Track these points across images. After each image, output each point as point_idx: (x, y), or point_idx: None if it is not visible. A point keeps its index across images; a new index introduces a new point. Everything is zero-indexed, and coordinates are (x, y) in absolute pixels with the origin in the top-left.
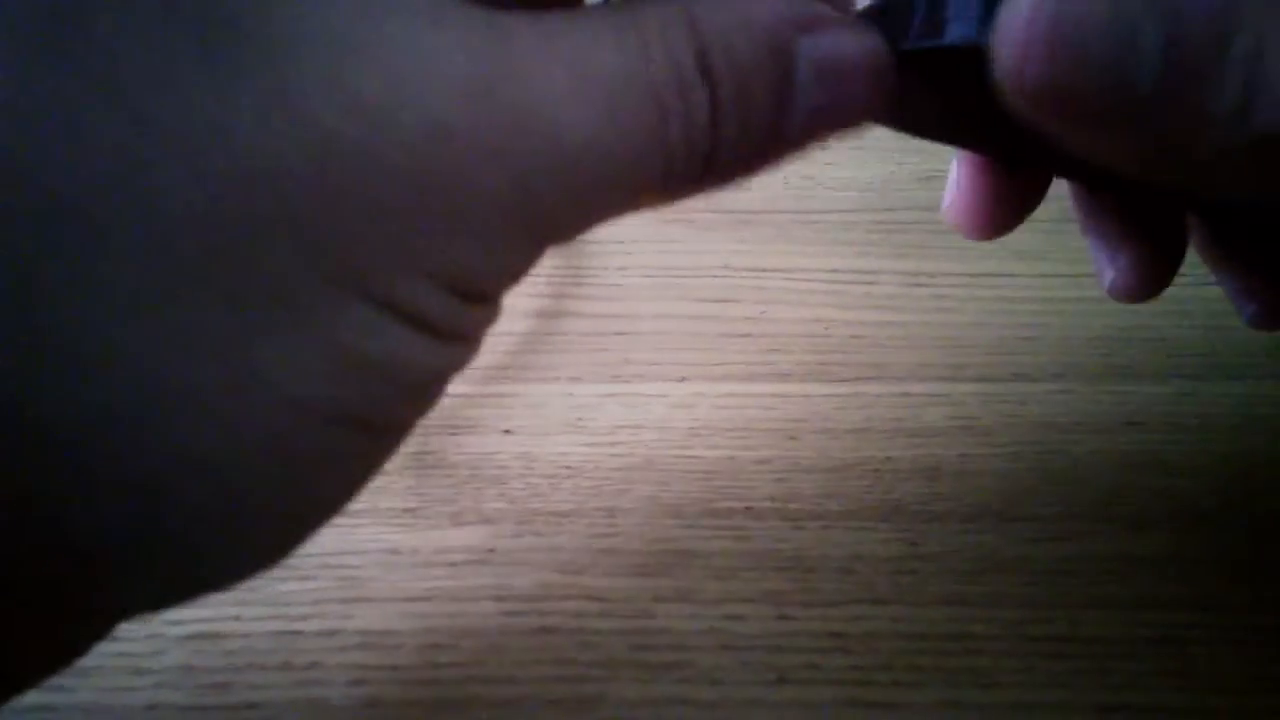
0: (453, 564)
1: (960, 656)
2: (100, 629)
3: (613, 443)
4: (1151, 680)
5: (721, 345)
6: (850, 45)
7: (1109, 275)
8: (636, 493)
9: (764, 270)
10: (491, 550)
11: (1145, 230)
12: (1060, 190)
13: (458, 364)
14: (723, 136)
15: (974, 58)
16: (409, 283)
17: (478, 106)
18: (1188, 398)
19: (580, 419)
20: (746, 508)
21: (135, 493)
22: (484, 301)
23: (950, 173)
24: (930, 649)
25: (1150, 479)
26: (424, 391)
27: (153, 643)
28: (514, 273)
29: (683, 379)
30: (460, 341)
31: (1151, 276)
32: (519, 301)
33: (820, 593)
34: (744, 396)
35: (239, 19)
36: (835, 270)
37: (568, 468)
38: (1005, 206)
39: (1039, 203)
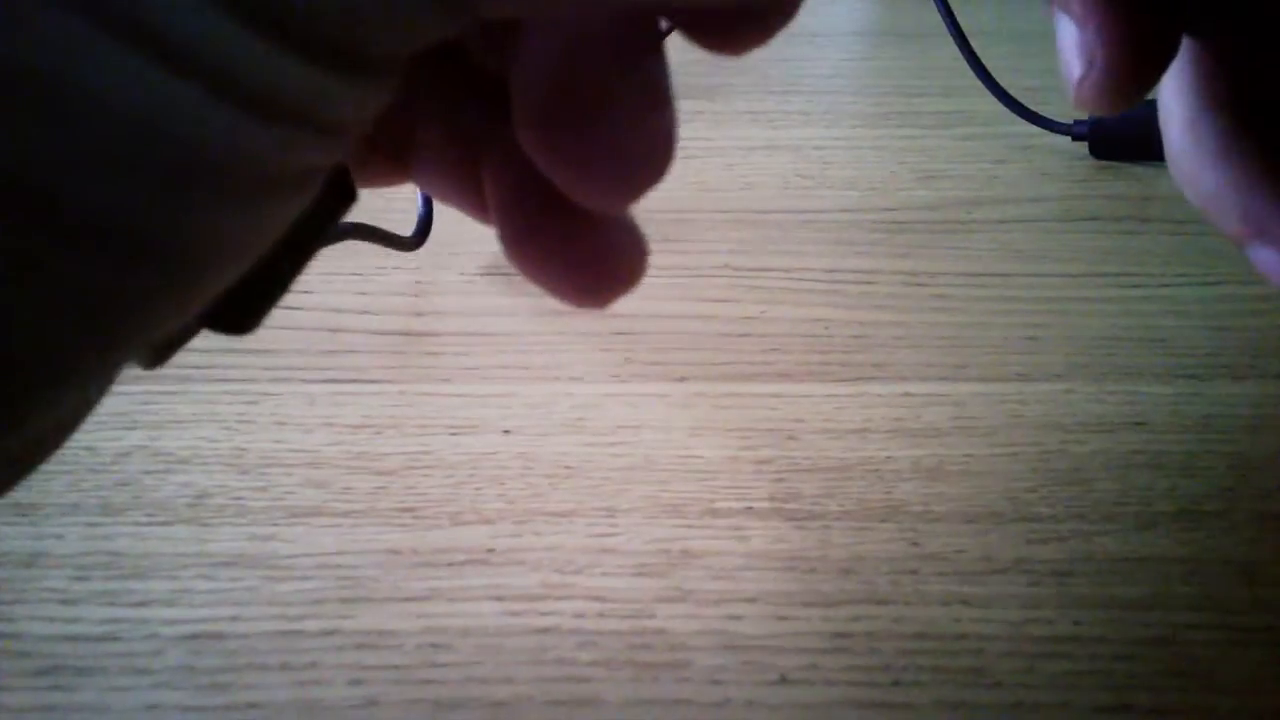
0: (452, 564)
1: (961, 657)
2: None
3: (613, 443)
4: (1153, 681)
5: (721, 345)
6: None
7: (1080, 69)
8: (636, 493)
9: (764, 270)
10: (491, 550)
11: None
12: (1059, 189)
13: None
14: None
15: None
16: None
17: None
18: (1191, 398)
19: (580, 419)
20: (746, 507)
21: None
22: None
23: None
24: (931, 649)
25: (1153, 479)
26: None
27: (152, 643)
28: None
29: (683, 379)
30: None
31: (1134, 75)
32: (520, 301)
33: (821, 593)
34: (744, 396)
35: None
36: (835, 270)
37: (568, 468)
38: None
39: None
